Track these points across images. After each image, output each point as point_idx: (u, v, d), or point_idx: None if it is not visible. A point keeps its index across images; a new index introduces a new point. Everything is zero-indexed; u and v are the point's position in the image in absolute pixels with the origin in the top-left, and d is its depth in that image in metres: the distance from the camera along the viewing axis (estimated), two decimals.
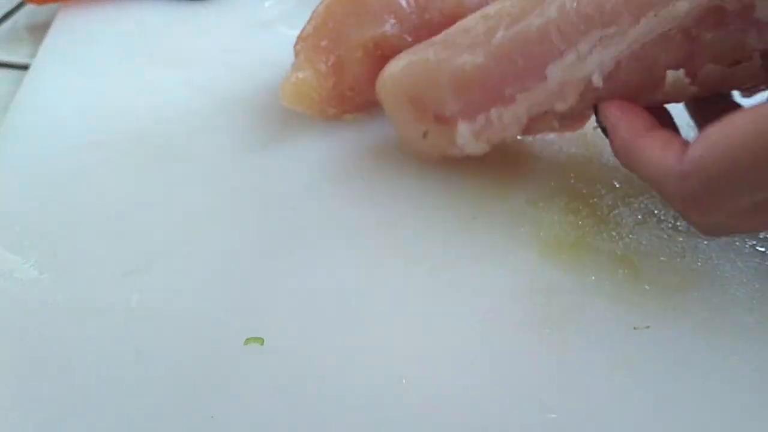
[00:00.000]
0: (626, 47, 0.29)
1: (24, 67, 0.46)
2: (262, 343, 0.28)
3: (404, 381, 0.27)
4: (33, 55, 0.47)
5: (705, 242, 0.32)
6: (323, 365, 0.28)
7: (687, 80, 0.28)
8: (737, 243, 0.32)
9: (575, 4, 0.29)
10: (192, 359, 0.28)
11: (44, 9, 0.53)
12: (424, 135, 0.35)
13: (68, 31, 0.49)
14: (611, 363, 0.28)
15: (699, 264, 0.31)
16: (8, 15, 0.54)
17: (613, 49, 0.29)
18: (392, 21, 0.39)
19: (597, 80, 0.30)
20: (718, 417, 0.26)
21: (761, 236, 0.32)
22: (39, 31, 0.50)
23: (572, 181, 0.36)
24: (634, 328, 0.29)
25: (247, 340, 0.29)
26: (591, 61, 0.30)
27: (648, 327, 0.29)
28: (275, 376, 0.27)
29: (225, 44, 0.48)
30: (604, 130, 0.30)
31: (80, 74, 0.45)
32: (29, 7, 0.54)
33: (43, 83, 0.44)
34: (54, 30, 0.49)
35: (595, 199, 0.35)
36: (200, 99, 0.43)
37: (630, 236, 0.33)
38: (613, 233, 0.33)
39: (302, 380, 0.27)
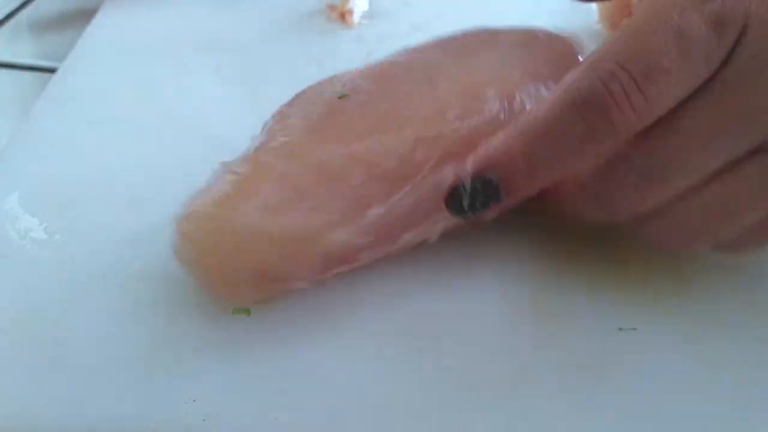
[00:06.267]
0: None
1: (26, 68, 0.47)
2: (248, 314, 0.29)
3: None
4: (35, 55, 0.48)
5: None
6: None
7: None
8: None
9: None
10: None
11: (46, 10, 0.54)
12: None
13: (114, 15, 0.52)
14: (597, 364, 0.27)
15: (692, 268, 0.31)
16: (10, 16, 0.54)
17: None
18: None
19: None
20: (703, 421, 0.26)
21: None
22: (41, 31, 0.51)
23: None
24: (620, 329, 0.28)
25: (235, 311, 0.29)
26: None
27: (634, 329, 0.28)
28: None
29: (263, 34, 0.50)
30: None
31: (119, 55, 0.47)
32: (31, 8, 0.54)
33: (83, 61, 0.46)
34: (101, 14, 0.52)
35: None
36: (231, 87, 0.44)
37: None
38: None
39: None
